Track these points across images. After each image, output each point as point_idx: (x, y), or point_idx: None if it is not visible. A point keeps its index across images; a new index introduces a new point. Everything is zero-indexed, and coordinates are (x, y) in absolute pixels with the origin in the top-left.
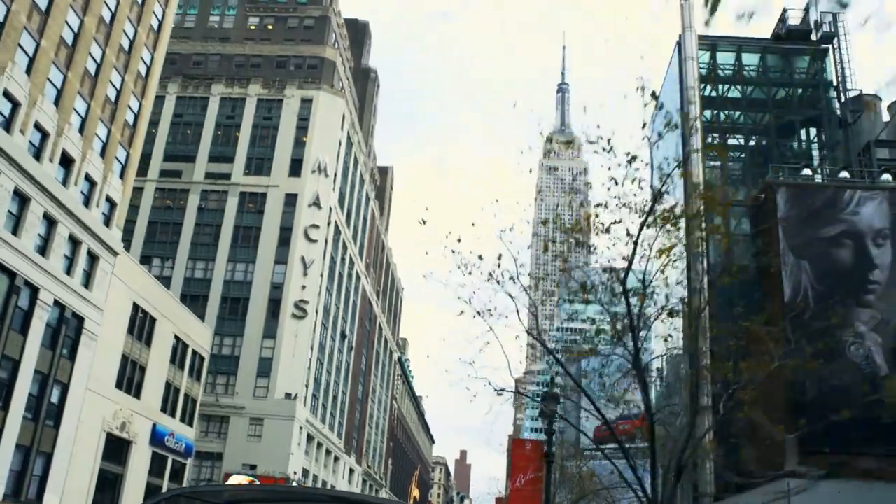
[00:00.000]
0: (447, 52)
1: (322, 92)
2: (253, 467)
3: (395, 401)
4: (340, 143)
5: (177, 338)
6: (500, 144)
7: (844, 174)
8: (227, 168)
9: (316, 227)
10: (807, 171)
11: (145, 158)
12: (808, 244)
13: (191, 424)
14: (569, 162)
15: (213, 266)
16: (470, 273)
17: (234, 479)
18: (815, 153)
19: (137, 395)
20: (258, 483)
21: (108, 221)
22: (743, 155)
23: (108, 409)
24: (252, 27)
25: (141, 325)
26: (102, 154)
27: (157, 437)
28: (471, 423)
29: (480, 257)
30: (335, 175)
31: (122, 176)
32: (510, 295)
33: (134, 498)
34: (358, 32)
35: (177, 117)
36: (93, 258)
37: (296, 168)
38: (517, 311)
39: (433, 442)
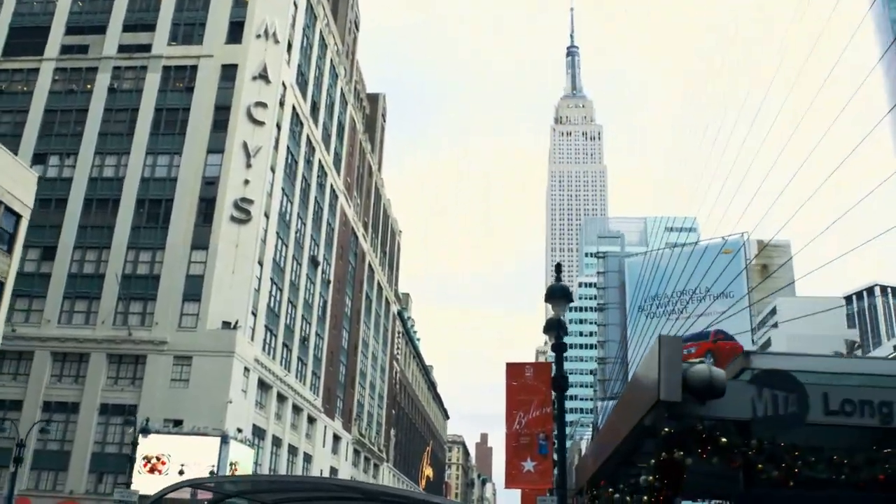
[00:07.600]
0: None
1: None
2: (178, 423)
3: (396, 362)
4: (297, 7)
5: None
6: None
7: None
8: (147, 38)
9: (263, 105)
10: None
11: (40, 33)
12: None
13: None
14: (583, 126)
15: (128, 161)
16: None
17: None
18: None
19: None
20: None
21: None
22: None
23: None
24: None
25: None
26: None
27: None
28: (492, 409)
29: None
30: (289, 45)
31: None
32: None
33: None
34: None
35: None
36: None
37: (235, 33)
38: None
39: (447, 417)
